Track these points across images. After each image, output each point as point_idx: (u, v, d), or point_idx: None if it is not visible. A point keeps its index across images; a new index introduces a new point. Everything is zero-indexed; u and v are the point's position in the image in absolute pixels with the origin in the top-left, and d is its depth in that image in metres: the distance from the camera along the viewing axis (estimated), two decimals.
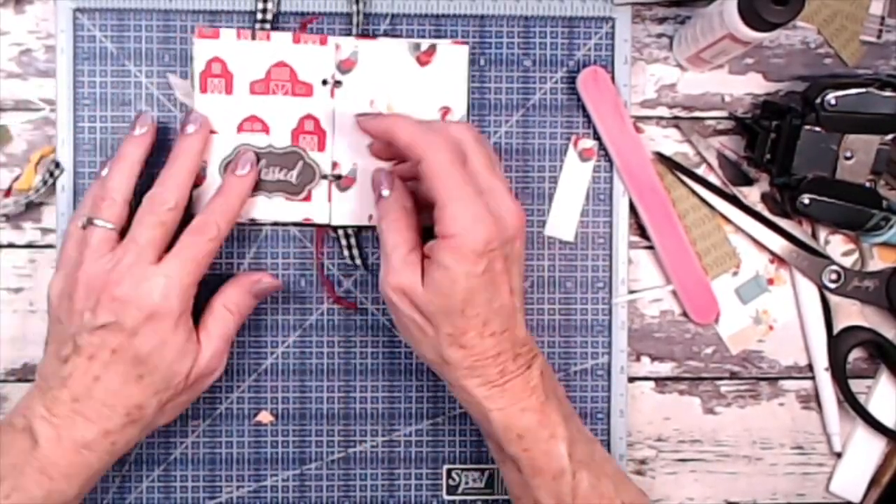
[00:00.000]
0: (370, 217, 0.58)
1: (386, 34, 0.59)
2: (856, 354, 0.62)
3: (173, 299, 0.51)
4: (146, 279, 0.51)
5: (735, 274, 0.62)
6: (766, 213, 0.60)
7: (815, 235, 0.62)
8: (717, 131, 0.62)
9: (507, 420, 0.51)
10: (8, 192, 0.59)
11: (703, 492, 0.63)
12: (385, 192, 0.53)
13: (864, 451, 0.62)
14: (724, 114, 0.62)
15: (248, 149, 0.57)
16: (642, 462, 0.62)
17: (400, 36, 0.59)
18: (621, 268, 0.60)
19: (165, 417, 0.54)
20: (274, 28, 0.58)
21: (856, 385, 0.61)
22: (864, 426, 0.62)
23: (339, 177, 0.58)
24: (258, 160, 0.57)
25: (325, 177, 0.58)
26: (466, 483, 0.61)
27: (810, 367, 0.62)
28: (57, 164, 0.58)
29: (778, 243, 0.61)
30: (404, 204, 0.53)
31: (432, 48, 0.58)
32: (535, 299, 0.61)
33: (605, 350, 0.61)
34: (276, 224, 0.59)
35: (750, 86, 0.62)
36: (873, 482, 0.63)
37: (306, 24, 0.59)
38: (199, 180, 0.57)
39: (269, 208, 0.58)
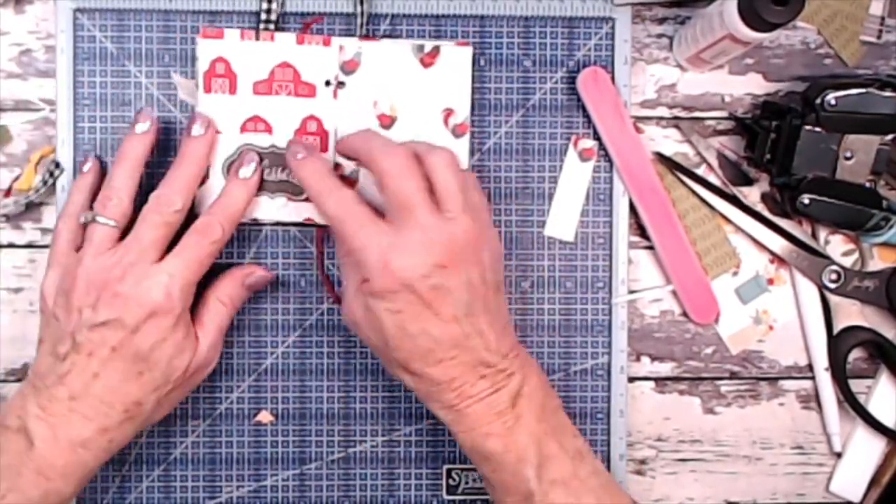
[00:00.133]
0: None
1: (386, 34, 0.59)
2: (856, 354, 0.62)
3: (175, 297, 0.51)
4: (148, 277, 0.51)
5: (735, 274, 0.62)
6: (766, 213, 0.60)
7: (815, 235, 0.62)
8: (717, 131, 0.62)
9: (471, 443, 0.51)
10: (8, 192, 0.59)
11: (703, 492, 0.63)
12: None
13: (864, 451, 0.62)
14: (724, 114, 0.62)
15: (252, 149, 0.57)
16: (642, 462, 0.62)
17: (400, 36, 0.59)
18: (621, 268, 0.60)
19: (161, 414, 0.54)
20: (277, 29, 0.58)
21: (856, 385, 0.61)
22: (864, 426, 0.62)
23: (341, 178, 0.58)
24: (261, 160, 0.57)
25: None
26: (466, 483, 0.61)
27: (810, 367, 0.62)
28: (57, 164, 0.58)
29: (778, 243, 0.61)
30: None
31: (436, 50, 0.58)
32: (535, 299, 0.61)
33: (605, 350, 0.61)
34: (276, 224, 0.59)
35: (750, 86, 0.62)
36: (873, 482, 0.63)
37: (309, 25, 0.59)
38: (202, 180, 0.57)
39: (271, 208, 0.58)
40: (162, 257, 0.52)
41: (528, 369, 0.52)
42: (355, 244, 0.51)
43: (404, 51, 0.58)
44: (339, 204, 0.52)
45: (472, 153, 0.59)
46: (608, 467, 0.61)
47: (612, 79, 0.60)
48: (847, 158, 0.57)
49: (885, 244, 0.61)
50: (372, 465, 0.60)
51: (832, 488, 0.63)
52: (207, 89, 0.57)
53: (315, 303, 0.60)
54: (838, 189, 0.58)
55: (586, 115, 0.60)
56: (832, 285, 0.61)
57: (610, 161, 0.60)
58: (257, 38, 0.57)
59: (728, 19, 0.52)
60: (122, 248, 0.51)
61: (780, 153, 0.58)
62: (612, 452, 0.61)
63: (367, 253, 0.50)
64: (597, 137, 0.60)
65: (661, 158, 0.61)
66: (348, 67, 0.58)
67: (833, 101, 0.56)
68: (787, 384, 0.63)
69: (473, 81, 0.59)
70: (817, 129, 0.57)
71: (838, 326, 0.61)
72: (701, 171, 0.61)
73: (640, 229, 0.61)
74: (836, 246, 0.62)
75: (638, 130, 0.61)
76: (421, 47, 0.58)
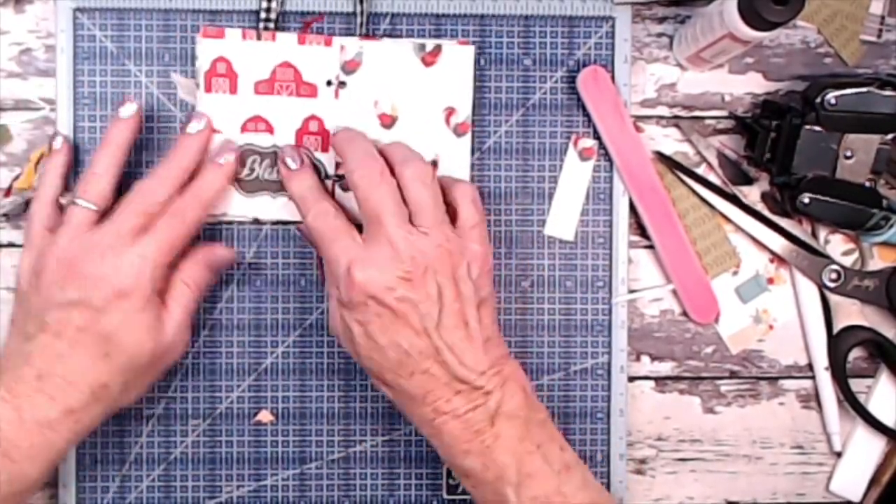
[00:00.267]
0: None
1: (386, 34, 0.59)
2: (856, 354, 0.62)
3: (144, 279, 0.51)
4: (118, 258, 0.51)
5: (735, 273, 0.62)
6: (766, 213, 0.60)
7: (815, 235, 0.62)
8: (717, 131, 0.62)
9: (451, 458, 0.52)
10: (8, 192, 0.59)
11: (703, 491, 0.63)
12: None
13: (864, 451, 0.62)
14: (724, 113, 0.62)
15: (251, 148, 0.57)
16: (642, 461, 0.62)
17: (400, 35, 0.59)
18: (621, 267, 0.60)
19: (129, 397, 0.54)
20: (277, 28, 0.58)
21: (856, 384, 0.61)
22: (864, 426, 0.62)
23: (341, 177, 0.58)
24: (262, 160, 0.57)
25: (328, 177, 0.58)
26: None
27: (810, 366, 0.62)
28: None
29: (778, 243, 0.61)
30: None
31: (438, 49, 0.58)
32: (535, 299, 0.61)
33: (605, 349, 0.61)
34: (277, 224, 0.59)
35: (750, 85, 0.62)
36: (873, 481, 0.63)
37: (309, 24, 0.59)
38: None
39: (273, 208, 0.58)
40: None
41: (511, 385, 0.51)
42: (329, 256, 0.52)
43: (406, 50, 0.58)
44: (317, 216, 0.53)
45: (472, 152, 0.59)
46: (608, 467, 0.61)
47: (612, 78, 0.60)
48: (847, 158, 0.57)
49: (884, 244, 0.61)
50: (372, 465, 0.60)
51: (832, 488, 0.63)
52: (208, 89, 0.57)
53: (315, 303, 0.60)
54: (838, 188, 0.58)
55: (586, 115, 0.60)
56: (832, 285, 0.61)
57: (610, 160, 0.60)
58: (259, 38, 0.57)
59: (728, 18, 0.52)
60: (100, 232, 0.51)
61: (780, 152, 0.58)
62: (612, 452, 0.61)
63: (337, 265, 0.51)
64: (597, 137, 0.60)
65: (661, 158, 0.61)
66: (349, 67, 0.58)
67: (833, 101, 0.56)
68: (787, 384, 0.63)
69: (474, 81, 0.59)
70: (817, 128, 0.57)
71: (838, 326, 0.61)
72: (701, 170, 0.61)
73: (640, 229, 0.61)
74: (836, 245, 0.62)
75: (638, 130, 0.61)
76: (422, 46, 0.58)
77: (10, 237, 0.59)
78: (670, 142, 0.61)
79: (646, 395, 0.62)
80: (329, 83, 0.58)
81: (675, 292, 0.61)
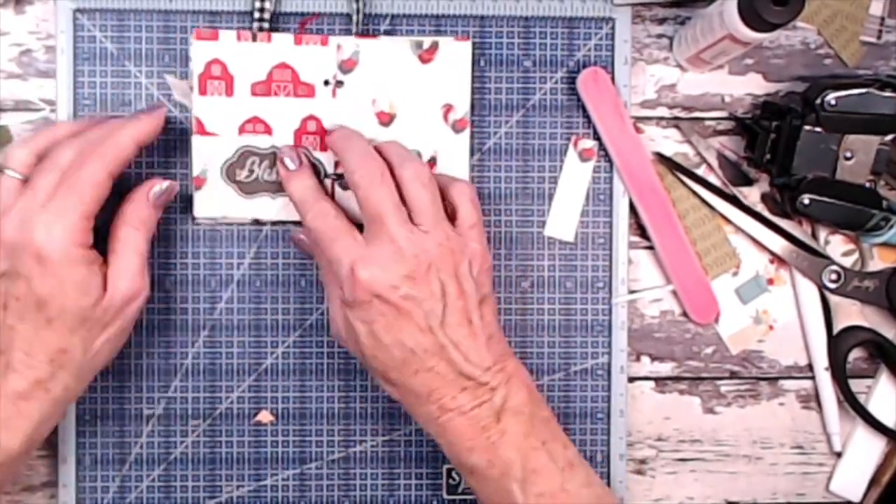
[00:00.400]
0: None
1: (386, 34, 0.59)
2: (856, 354, 0.62)
3: (57, 236, 0.49)
4: (30, 220, 0.49)
5: (735, 274, 0.62)
6: (766, 214, 0.60)
7: (815, 235, 0.62)
8: (717, 131, 0.62)
9: (456, 455, 0.52)
10: None
11: (703, 491, 0.63)
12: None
13: (864, 451, 0.62)
14: (724, 114, 0.62)
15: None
16: (642, 462, 0.62)
17: (399, 36, 0.59)
18: (621, 268, 0.61)
19: (103, 356, 0.53)
20: (273, 29, 0.58)
21: (856, 385, 0.61)
22: (864, 426, 0.62)
23: (340, 176, 0.58)
24: (261, 162, 0.57)
25: (327, 176, 0.58)
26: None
27: (810, 366, 0.62)
28: None
29: (778, 243, 0.61)
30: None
31: (435, 45, 0.58)
32: (535, 299, 0.61)
33: (605, 350, 0.61)
34: (276, 224, 0.59)
35: (750, 86, 0.62)
36: (873, 482, 0.63)
37: (305, 24, 0.59)
38: (199, 183, 0.57)
39: (273, 208, 0.58)
40: None
41: (515, 382, 0.52)
42: (330, 256, 0.51)
43: (402, 48, 0.58)
44: (317, 217, 0.53)
45: (472, 153, 0.59)
46: (608, 467, 0.61)
47: (612, 79, 0.60)
48: (847, 158, 0.57)
49: (885, 244, 0.61)
50: (372, 465, 0.60)
51: (832, 488, 0.63)
52: (203, 91, 0.57)
53: (315, 303, 0.60)
54: (838, 189, 0.58)
55: (586, 116, 0.60)
56: (832, 285, 0.61)
57: (610, 161, 0.60)
58: (254, 40, 0.57)
59: (728, 19, 0.52)
60: (22, 199, 0.50)
61: (780, 153, 0.58)
62: (612, 452, 0.61)
63: (340, 265, 0.51)
64: (597, 137, 0.60)
65: (661, 158, 0.61)
66: (346, 66, 0.58)
67: (833, 102, 0.56)
68: (787, 384, 0.63)
69: (473, 77, 0.59)
70: (817, 129, 0.57)
71: (838, 326, 0.61)
72: (701, 171, 0.61)
73: (640, 229, 0.61)
74: (836, 246, 0.62)
75: (638, 130, 0.61)
76: (419, 44, 0.58)
77: None
78: (670, 143, 0.61)
79: (646, 396, 0.62)
80: (326, 83, 0.58)
81: (675, 293, 0.61)
